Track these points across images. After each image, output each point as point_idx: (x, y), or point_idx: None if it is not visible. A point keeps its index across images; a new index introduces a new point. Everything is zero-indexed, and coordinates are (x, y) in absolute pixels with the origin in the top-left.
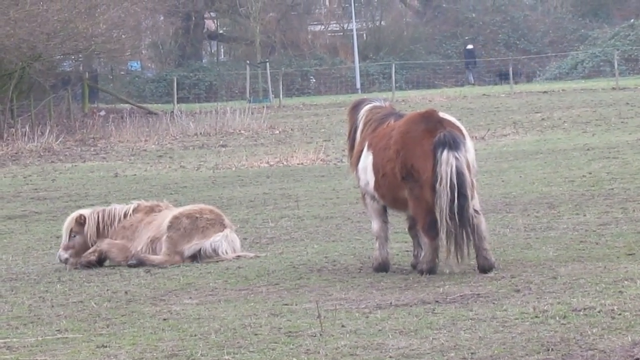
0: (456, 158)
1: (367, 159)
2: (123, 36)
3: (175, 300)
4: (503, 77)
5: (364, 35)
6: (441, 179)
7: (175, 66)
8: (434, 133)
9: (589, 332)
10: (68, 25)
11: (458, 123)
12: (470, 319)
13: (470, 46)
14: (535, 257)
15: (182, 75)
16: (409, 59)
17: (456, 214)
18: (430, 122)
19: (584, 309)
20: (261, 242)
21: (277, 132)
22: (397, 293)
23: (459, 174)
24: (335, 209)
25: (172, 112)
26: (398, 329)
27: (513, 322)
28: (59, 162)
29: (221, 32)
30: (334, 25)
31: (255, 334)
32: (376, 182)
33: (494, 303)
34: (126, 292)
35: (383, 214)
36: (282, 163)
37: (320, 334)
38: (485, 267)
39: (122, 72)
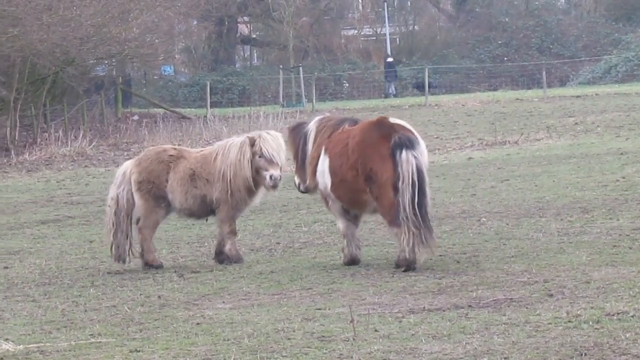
0: (415, 157)
1: (324, 163)
2: (156, 41)
3: (208, 304)
4: (421, 87)
5: (397, 39)
6: (403, 178)
7: (209, 71)
8: (389, 138)
9: (623, 336)
10: (101, 30)
11: (409, 127)
12: (504, 324)
13: (390, 59)
14: (569, 261)
15: (215, 79)
16: (442, 64)
17: (417, 209)
18: (383, 128)
19: (618, 313)
20: (294, 246)
21: None
22: (430, 297)
23: (419, 172)
24: None
25: (205, 116)
26: (431, 333)
27: (546, 326)
28: (92, 167)
29: (254, 36)
30: (367, 29)
31: (289, 339)
32: (333, 184)
33: (527, 308)
34: (159, 297)
35: (347, 212)
36: None
37: (353, 339)
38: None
39: (155, 77)
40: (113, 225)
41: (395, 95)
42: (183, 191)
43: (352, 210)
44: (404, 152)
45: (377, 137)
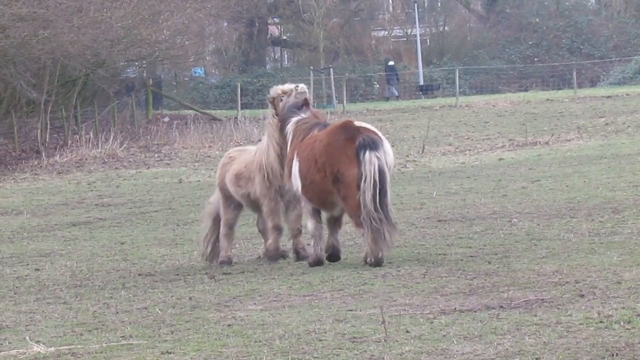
0: (377, 157)
1: (295, 167)
2: (187, 42)
3: (239, 306)
4: (425, 90)
5: (428, 40)
6: (365, 177)
7: (239, 72)
8: (354, 140)
9: None
10: (132, 32)
11: (374, 129)
12: (535, 324)
13: (391, 62)
14: (600, 262)
15: (246, 81)
16: (472, 64)
17: (379, 207)
18: (349, 131)
19: None
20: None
21: None
22: (461, 298)
23: (381, 172)
24: (399, 214)
25: (236, 118)
26: (462, 334)
27: (577, 327)
28: (122, 169)
29: (285, 38)
30: (398, 30)
31: (320, 340)
32: (303, 187)
33: (558, 308)
34: (190, 299)
35: (317, 214)
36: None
37: (385, 340)
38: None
39: (186, 79)
40: None
41: (398, 98)
42: (234, 192)
43: (323, 210)
44: (367, 152)
45: (343, 140)
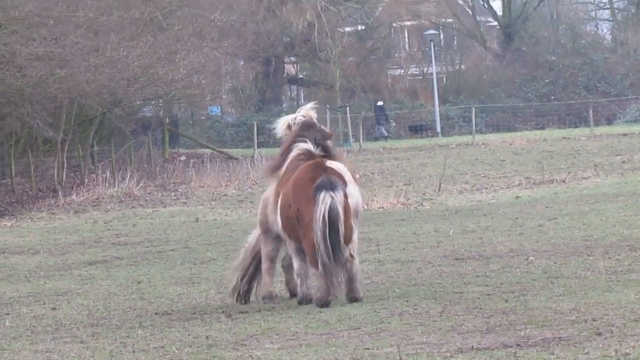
0: (332, 197)
1: (278, 204)
2: (203, 81)
3: (256, 344)
4: (415, 130)
5: (444, 78)
6: (317, 217)
7: (256, 111)
8: (316, 180)
9: None
10: (148, 71)
11: (344, 171)
12: None
13: (380, 103)
14: (617, 299)
15: (263, 119)
16: (488, 102)
17: (328, 246)
18: (316, 171)
19: None
20: (341, 286)
21: (358, 175)
22: (478, 337)
23: (331, 210)
24: (416, 252)
25: (253, 156)
26: None
27: None
28: (139, 207)
29: (301, 76)
30: (414, 69)
31: None
32: (282, 224)
33: (575, 346)
34: (207, 337)
35: (302, 253)
36: (363, 207)
37: None
38: (354, 300)
39: (203, 117)
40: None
41: (386, 138)
42: (273, 211)
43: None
44: (322, 193)
45: (307, 179)
